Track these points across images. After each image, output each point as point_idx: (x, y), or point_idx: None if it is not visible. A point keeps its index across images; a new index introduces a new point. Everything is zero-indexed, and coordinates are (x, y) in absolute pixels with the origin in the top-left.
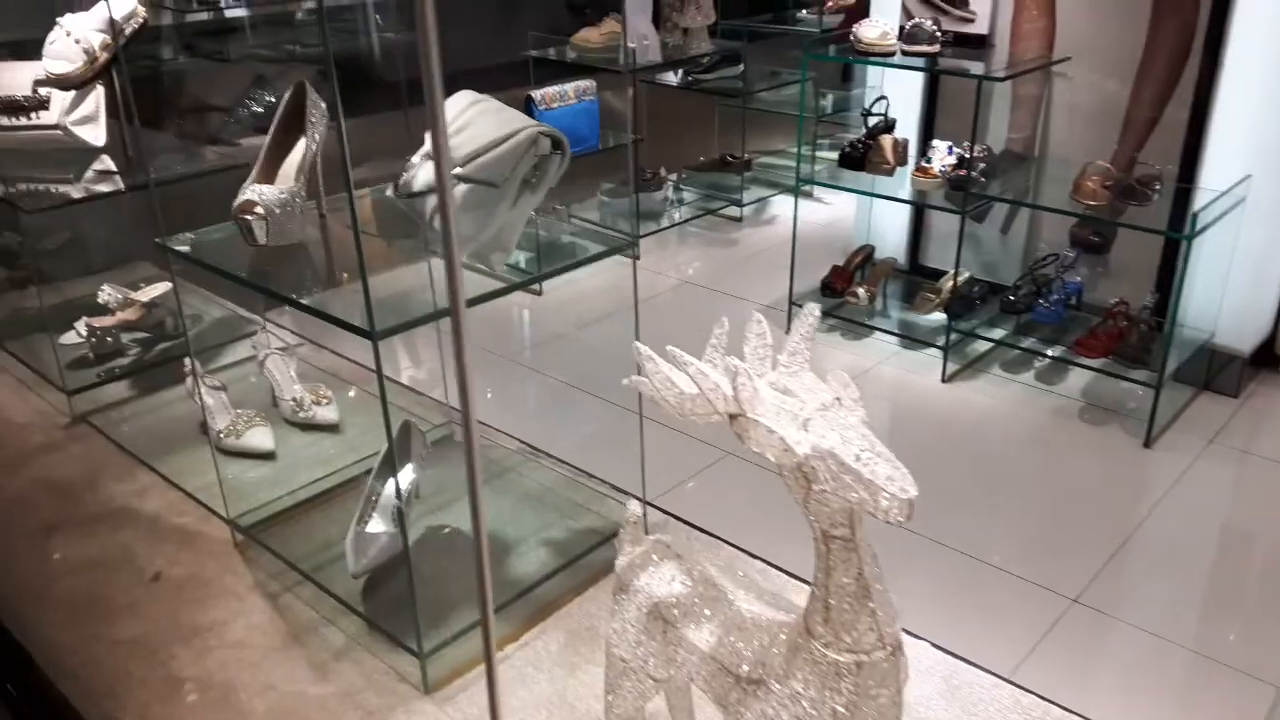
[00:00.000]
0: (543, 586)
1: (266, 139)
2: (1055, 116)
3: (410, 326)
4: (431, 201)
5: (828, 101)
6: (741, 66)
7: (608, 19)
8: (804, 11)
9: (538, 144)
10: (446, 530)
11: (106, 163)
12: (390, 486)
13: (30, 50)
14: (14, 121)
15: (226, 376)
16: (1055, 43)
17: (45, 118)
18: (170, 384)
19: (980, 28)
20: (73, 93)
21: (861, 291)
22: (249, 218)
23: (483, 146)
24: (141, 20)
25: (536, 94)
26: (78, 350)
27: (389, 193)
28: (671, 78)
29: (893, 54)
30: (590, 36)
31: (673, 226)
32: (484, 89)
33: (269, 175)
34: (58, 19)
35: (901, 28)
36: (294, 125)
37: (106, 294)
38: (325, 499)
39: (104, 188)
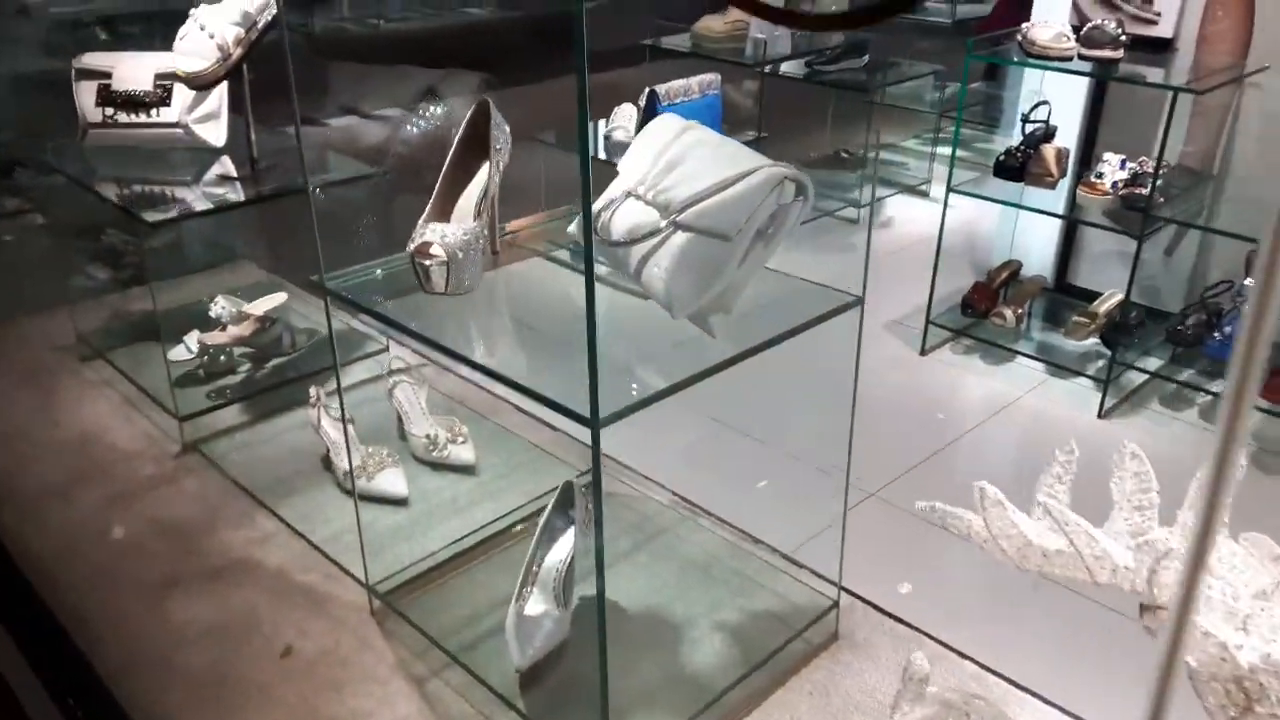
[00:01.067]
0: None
1: (444, 168)
2: (1242, 130)
3: (639, 408)
4: (638, 251)
5: (942, 95)
6: (866, 58)
7: (733, 6)
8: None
9: (781, 189)
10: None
11: (226, 165)
12: (552, 557)
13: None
14: (133, 118)
15: (352, 400)
16: (1251, 47)
17: (165, 115)
18: (285, 408)
19: (1165, 30)
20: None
21: (1009, 313)
22: (427, 263)
23: (707, 189)
24: (275, 13)
25: (661, 89)
26: (186, 367)
27: (571, 229)
28: (788, 68)
29: (1069, 58)
30: (714, 25)
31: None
32: (596, 76)
33: (445, 210)
34: (191, 10)
35: (1077, 29)
36: (474, 151)
37: (220, 306)
38: (467, 559)
39: (226, 193)
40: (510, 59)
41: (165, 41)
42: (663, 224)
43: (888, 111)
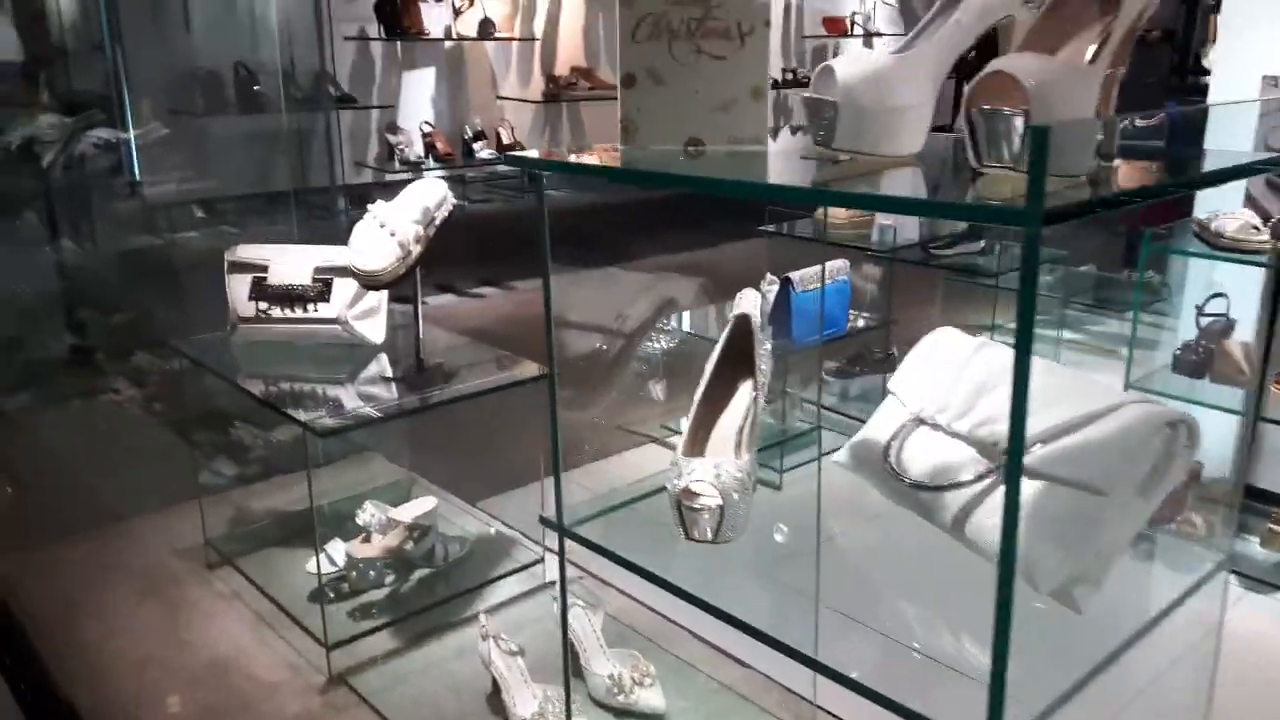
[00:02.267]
0: None
1: (698, 391)
2: None
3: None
4: (954, 499)
5: (1064, 279)
6: (982, 243)
7: None
8: None
9: (1174, 433)
10: None
11: (383, 364)
12: None
13: None
14: (289, 313)
15: (509, 622)
16: None
17: (324, 310)
18: (438, 631)
19: None
20: (355, 285)
21: (1199, 519)
22: (697, 507)
23: (1056, 428)
24: (452, 207)
25: (795, 275)
26: (328, 579)
27: (838, 459)
28: (906, 251)
29: (1261, 251)
30: (839, 212)
31: None
32: (714, 264)
33: (701, 441)
34: (368, 205)
35: (1267, 216)
36: (735, 370)
37: (369, 514)
38: None
39: (386, 394)
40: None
41: (259, 220)
42: (983, 467)
43: (1006, 297)
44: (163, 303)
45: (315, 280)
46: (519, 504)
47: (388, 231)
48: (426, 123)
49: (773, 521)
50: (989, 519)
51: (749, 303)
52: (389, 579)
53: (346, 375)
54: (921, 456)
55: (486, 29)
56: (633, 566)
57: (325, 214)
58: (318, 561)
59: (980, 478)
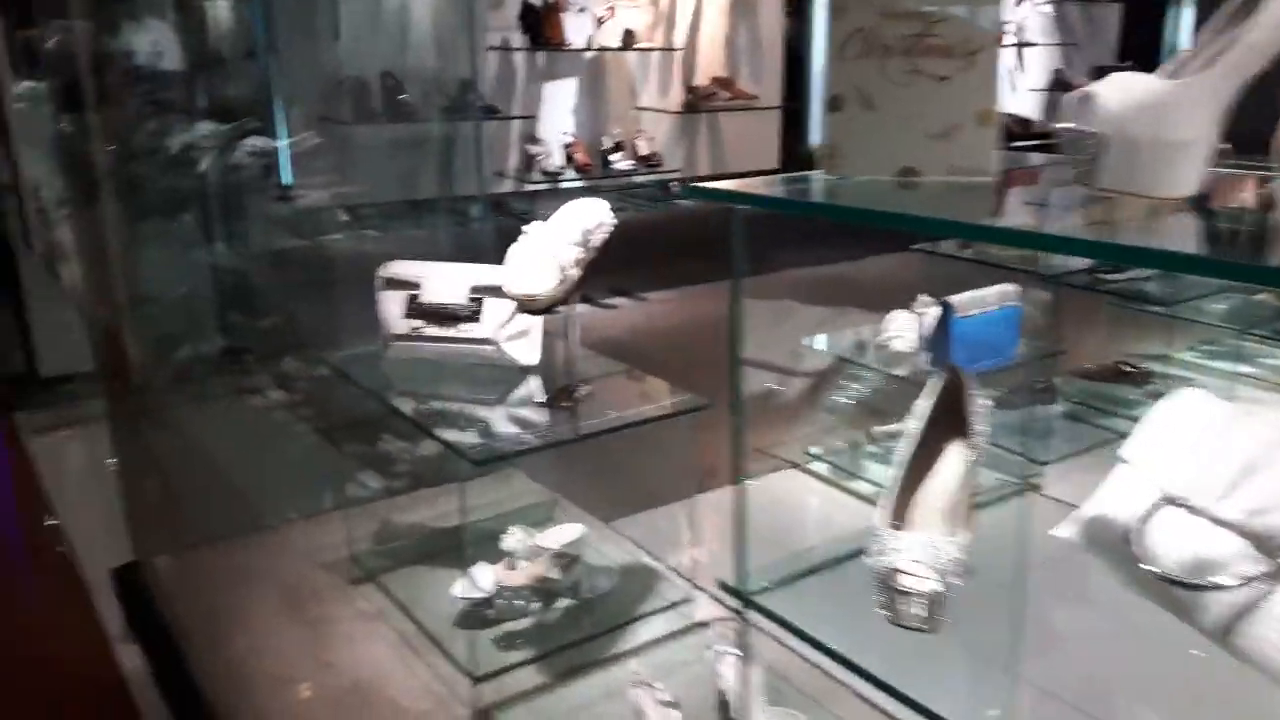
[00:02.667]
0: None
1: (904, 454)
2: None
3: None
4: (1222, 599)
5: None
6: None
7: None
8: None
9: None
10: None
11: (533, 387)
12: None
13: None
14: (441, 331)
15: (658, 666)
16: None
17: (476, 330)
18: (584, 668)
19: None
20: (510, 305)
21: None
22: (908, 590)
23: None
24: (611, 228)
25: (956, 300)
26: (471, 606)
27: (1062, 533)
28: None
29: None
30: None
31: (1083, 452)
32: (858, 280)
33: (906, 509)
34: (523, 228)
35: None
36: (944, 433)
37: (515, 539)
38: None
39: (541, 420)
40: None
41: (404, 227)
42: (1262, 565)
43: (1180, 326)
44: (311, 308)
45: (470, 299)
46: (660, 526)
47: (547, 254)
48: (566, 133)
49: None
50: (1273, 632)
51: (900, 324)
52: (533, 608)
53: (499, 398)
54: (1175, 544)
55: (629, 39)
56: (829, 651)
57: (468, 221)
58: (463, 585)
59: (1258, 578)
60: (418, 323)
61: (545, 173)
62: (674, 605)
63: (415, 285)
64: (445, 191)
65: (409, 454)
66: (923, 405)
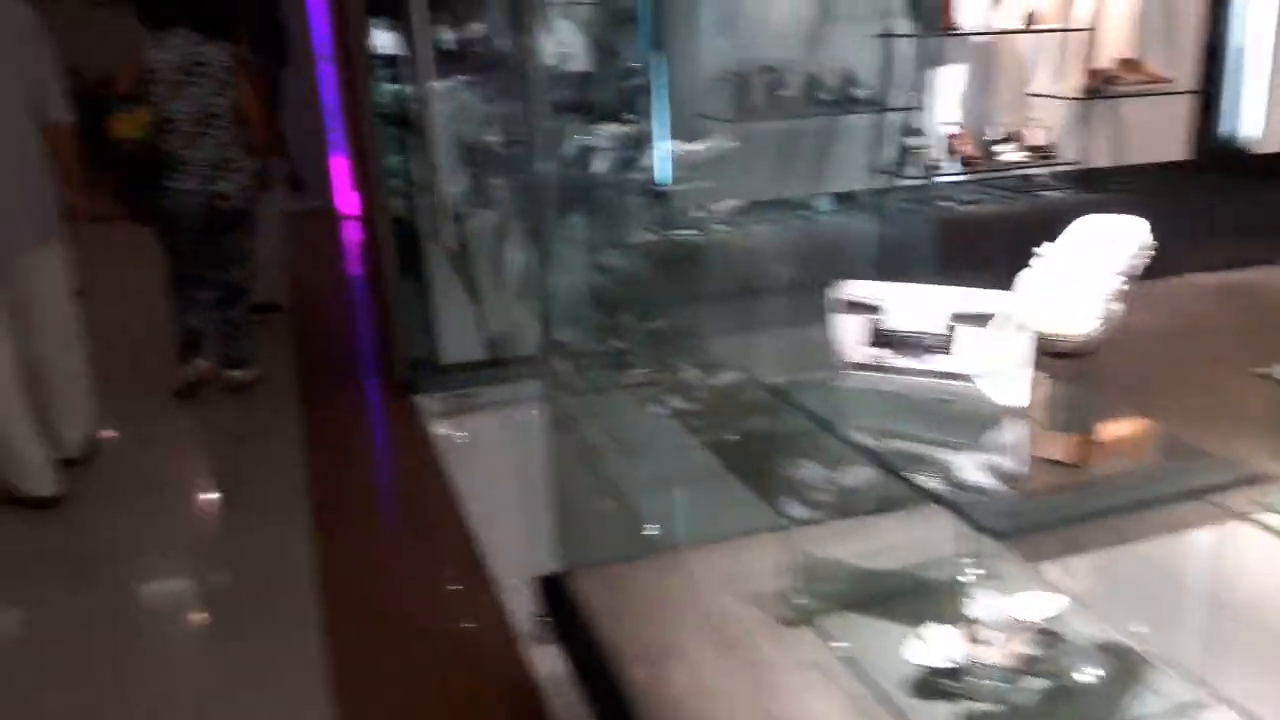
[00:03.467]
0: None
1: None
2: None
3: None
4: None
5: None
6: None
7: None
8: None
9: None
10: None
11: (1019, 432)
12: None
13: None
14: (909, 363)
15: None
16: None
17: (950, 363)
18: None
19: None
20: (988, 334)
21: None
22: None
23: None
24: (1152, 251)
25: None
26: (933, 676)
27: None
28: None
29: None
30: None
31: None
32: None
33: None
34: (1034, 249)
35: None
36: None
37: (984, 608)
38: None
39: (1051, 481)
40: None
41: (791, 227)
42: None
43: None
44: (697, 312)
45: (947, 328)
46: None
47: (1080, 285)
48: (951, 122)
49: None
50: None
51: None
52: (1004, 689)
53: (972, 442)
54: None
55: (1031, 20)
56: None
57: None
58: (921, 650)
59: None
60: (880, 351)
61: (930, 166)
62: (1183, 708)
63: (875, 309)
64: (827, 188)
65: (832, 482)
66: None
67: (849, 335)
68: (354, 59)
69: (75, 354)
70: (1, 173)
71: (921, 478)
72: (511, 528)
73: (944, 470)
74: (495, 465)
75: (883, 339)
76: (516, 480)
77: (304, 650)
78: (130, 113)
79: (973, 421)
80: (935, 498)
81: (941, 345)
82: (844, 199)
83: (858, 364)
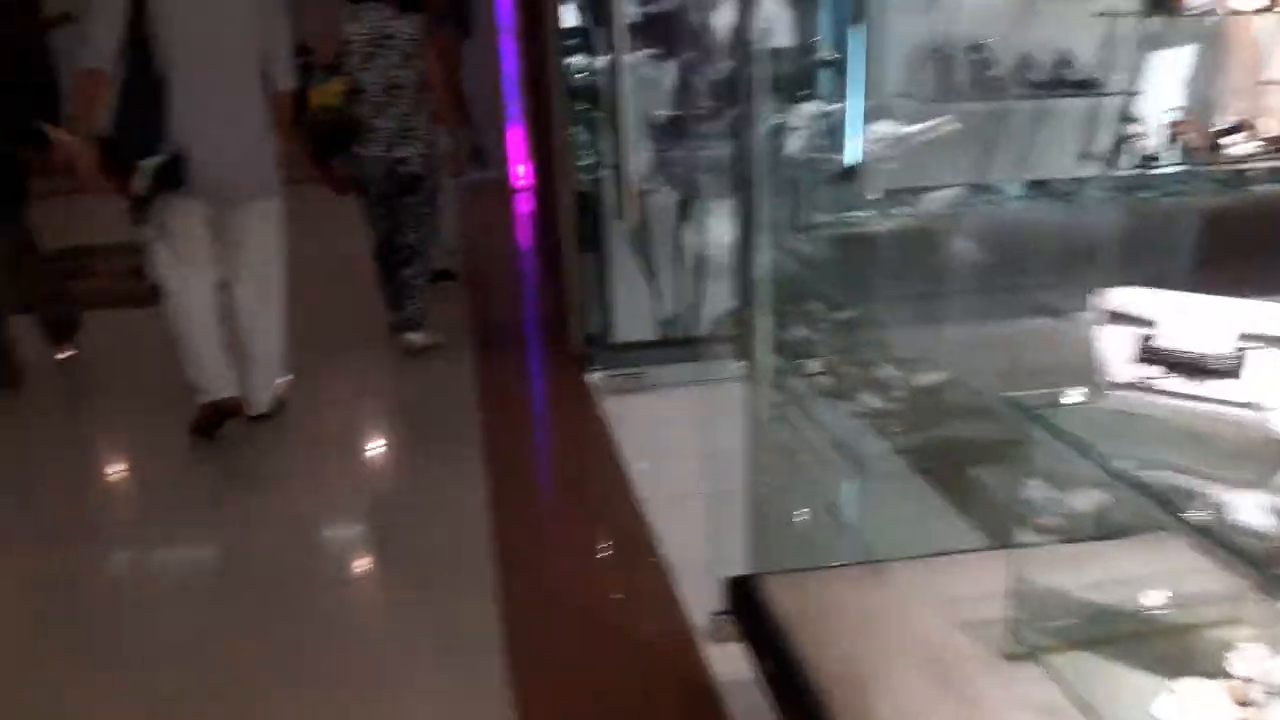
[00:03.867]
0: None
1: None
2: None
3: None
4: None
5: None
6: None
7: None
8: None
9: None
10: None
11: None
12: None
13: None
14: (1184, 387)
15: None
16: None
17: (1236, 389)
18: None
19: None
20: None
21: None
22: None
23: None
24: None
25: None
26: None
27: None
28: None
29: None
30: None
31: None
32: None
33: None
34: None
35: None
36: None
37: (1250, 662)
38: None
39: None
40: None
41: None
42: None
43: None
44: (893, 305)
45: (1236, 349)
46: None
47: None
48: (1175, 109)
49: None
50: None
51: None
52: None
53: (1254, 476)
54: None
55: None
56: None
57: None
58: (1174, 709)
59: None
60: (1151, 370)
61: (1147, 156)
62: None
63: (1148, 323)
64: (1038, 175)
65: (1060, 504)
66: None
67: (1116, 351)
68: (544, 31)
69: (273, 310)
70: (238, 130)
71: (1191, 514)
72: (683, 515)
73: (1217, 508)
74: (666, 448)
75: (1154, 357)
76: (688, 466)
77: (482, 621)
78: (326, 82)
79: (1260, 457)
80: (1218, 539)
81: (1228, 368)
82: (1044, 186)
83: (1124, 384)
